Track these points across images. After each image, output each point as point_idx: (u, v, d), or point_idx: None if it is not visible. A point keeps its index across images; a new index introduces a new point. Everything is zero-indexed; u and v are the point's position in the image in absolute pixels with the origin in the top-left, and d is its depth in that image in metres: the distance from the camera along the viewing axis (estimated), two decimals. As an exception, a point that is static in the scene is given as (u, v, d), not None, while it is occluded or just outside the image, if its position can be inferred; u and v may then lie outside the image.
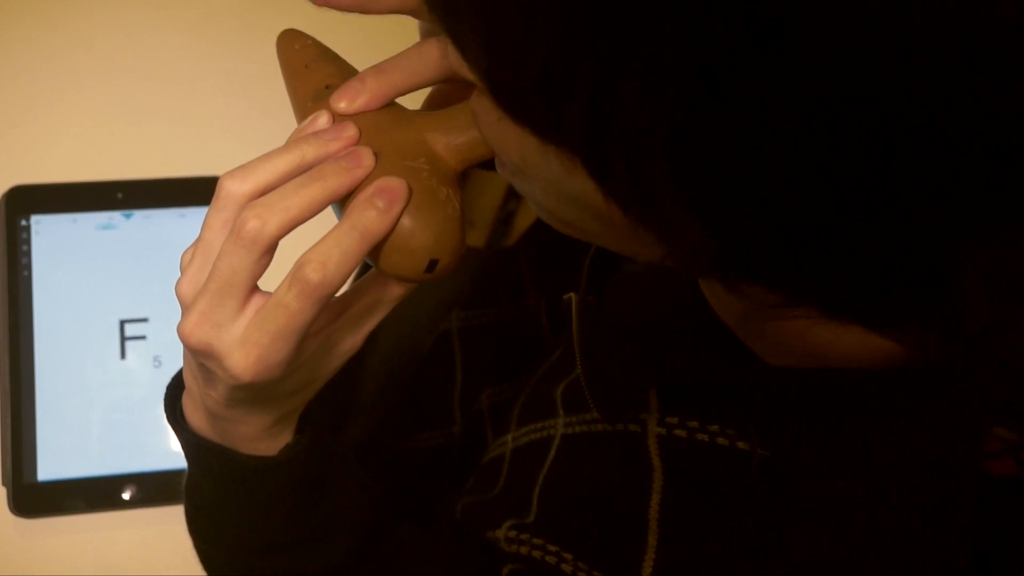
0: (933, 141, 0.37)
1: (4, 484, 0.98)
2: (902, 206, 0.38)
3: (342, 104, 0.55)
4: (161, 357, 1.02)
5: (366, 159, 0.53)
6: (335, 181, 0.52)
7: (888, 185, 0.38)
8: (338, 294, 0.57)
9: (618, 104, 0.38)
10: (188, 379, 0.58)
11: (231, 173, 0.53)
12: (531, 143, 0.45)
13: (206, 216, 0.53)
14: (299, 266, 0.51)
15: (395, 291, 0.56)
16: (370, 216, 0.51)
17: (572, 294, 0.56)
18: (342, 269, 0.51)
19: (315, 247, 0.51)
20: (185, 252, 0.55)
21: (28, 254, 1.00)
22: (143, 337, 1.02)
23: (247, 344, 0.52)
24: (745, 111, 0.37)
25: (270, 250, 0.52)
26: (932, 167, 0.37)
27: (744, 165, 0.38)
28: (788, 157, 0.37)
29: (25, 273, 1.00)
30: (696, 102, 0.37)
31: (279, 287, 0.51)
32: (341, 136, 0.54)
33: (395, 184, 0.52)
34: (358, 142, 0.54)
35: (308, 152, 0.53)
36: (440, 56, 0.56)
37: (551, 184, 0.47)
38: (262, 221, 0.51)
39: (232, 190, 0.52)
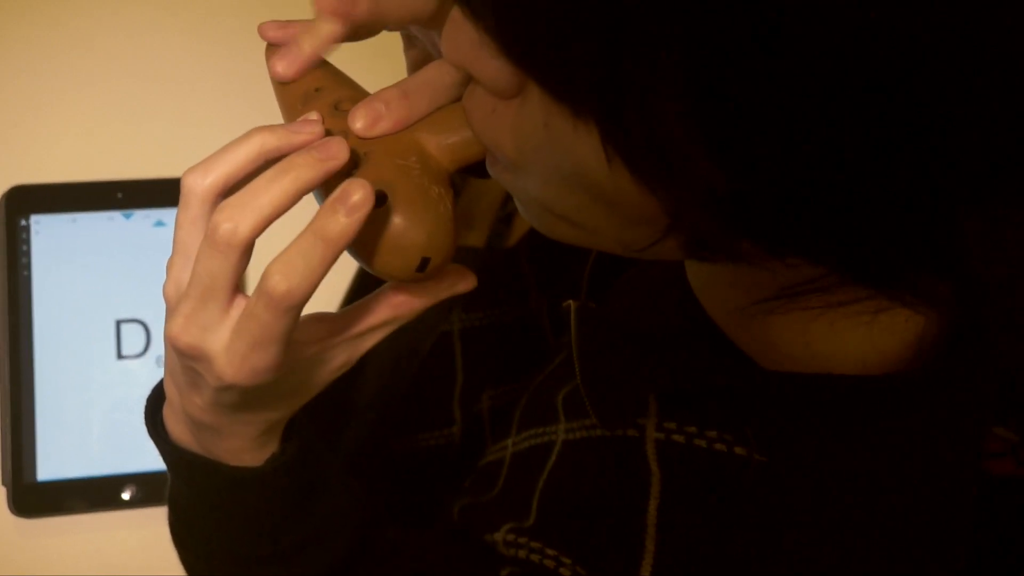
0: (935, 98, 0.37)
1: (4, 484, 0.98)
2: (903, 157, 0.39)
3: (359, 125, 0.54)
4: (164, 357, 1.02)
5: (338, 151, 0.51)
6: (306, 173, 0.50)
7: (891, 139, 0.38)
8: (343, 308, 0.56)
9: (630, 38, 0.38)
10: (170, 388, 0.58)
11: (192, 169, 0.52)
12: (531, 122, 0.45)
13: (176, 216, 0.53)
14: (265, 277, 0.50)
15: (402, 311, 0.56)
16: (335, 222, 0.49)
17: (571, 301, 0.55)
18: (308, 280, 0.49)
19: (279, 257, 0.50)
20: (170, 256, 0.54)
21: (28, 254, 1.00)
22: (143, 337, 1.02)
23: (230, 350, 0.51)
24: (762, 44, 0.37)
25: (247, 251, 0.50)
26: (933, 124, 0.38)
27: (759, 103, 0.38)
28: (803, 97, 0.37)
29: (25, 273, 1.00)
30: (712, 31, 0.37)
31: (251, 297, 0.50)
32: (304, 129, 0.52)
33: (357, 187, 0.49)
34: (348, 141, 0.53)
35: (269, 141, 0.52)
36: (457, 81, 0.55)
37: (549, 169, 0.46)
38: (234, 223, 0.49)
39: (193, 186, 0.52)
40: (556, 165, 0.46)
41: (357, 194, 0.49)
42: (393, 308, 0.56)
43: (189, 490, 0.61)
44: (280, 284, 0.49)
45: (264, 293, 0.49)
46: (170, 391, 0.58)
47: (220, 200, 0.52)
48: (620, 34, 0.38)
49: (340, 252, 0.50)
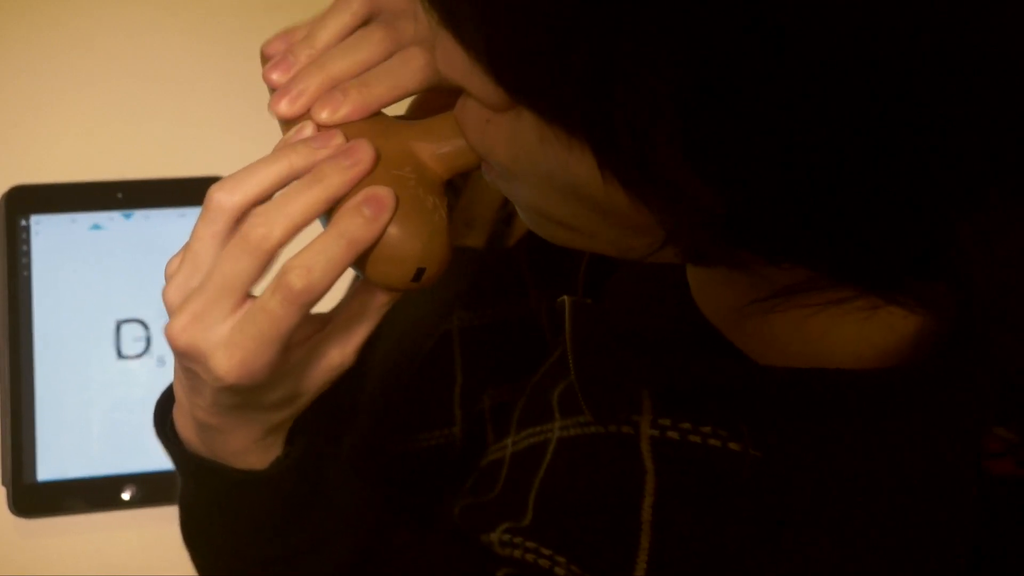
0: (929, 110, 0.37)
1: (4, 484, 0.98)
2: (897, 166, 0.39)
3: (323, 115, 0.55)
4: (165, 357, 1.02)
5: (364, 153, 0.53)
6: (336, 180, 0.52)
7: (885, 148, 0.38)
8: (325, 309, 0.56)
9: (620, 65, 0.38)
10: (177, 389, 0.58)
11: (219, 184, 0.53)
12: (525, 136, 0.45)
13: (195, 227, 0.53)
14: (283, 272, 0.51)
15: (381, 299, 0.56)
16: (357, 224, 0.51)
17: (566, 297, 0.56)
18: (327, 277, 0.51)
19: (300, 253, 0.51)
20: (171, 260, 0.54)
21: (28, 254, 1.00)
22: (143, 337, 1.02)
23: (230, 346, 0.51)
24: (749, 66, 0.37)
25: (273, 256, 0.52)
26: (927, 134, 0.38)
27: (749, 119, 0.38)
28: (794, 118, 0.37)
29: (25, 273, 1.00)
30: (700, 56, 0.37)
31: (263, 292, 0.51)
32: (329, 144, 0.53)
33: (383, 193, 0.52)
34: None
35: (296, 160, 0.53)
36: (424, 65, 0.56)
37: (544, 179, 0.46)
38: (268, 228, 0.51)
39: (222, 202, 0.52)
40: (551, 177, 0.46)
41: (381, 198, 0.51)
42: (372, 293, 0.56)
43: (197, 492, 0.62)
44: (300, 279, 0.50)
45: (282, 287, 0.50)
46: (178, 393, 0.58)
47: (244, 217, 0.53)
48: (610, 62, 0.38)
49: (359, 253, 0.52)
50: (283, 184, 0.53)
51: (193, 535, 0.65)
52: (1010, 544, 0.57)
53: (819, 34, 0.36)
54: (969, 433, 0.55)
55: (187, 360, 0.53)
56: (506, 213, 0.83)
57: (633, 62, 0.38)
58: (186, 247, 0.54)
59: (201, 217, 0.53)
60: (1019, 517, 0.58)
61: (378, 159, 0.53)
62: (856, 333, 0.50)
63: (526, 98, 0.43)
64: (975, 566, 0.54)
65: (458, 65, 0.45)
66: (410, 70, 0.56)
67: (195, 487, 0.61)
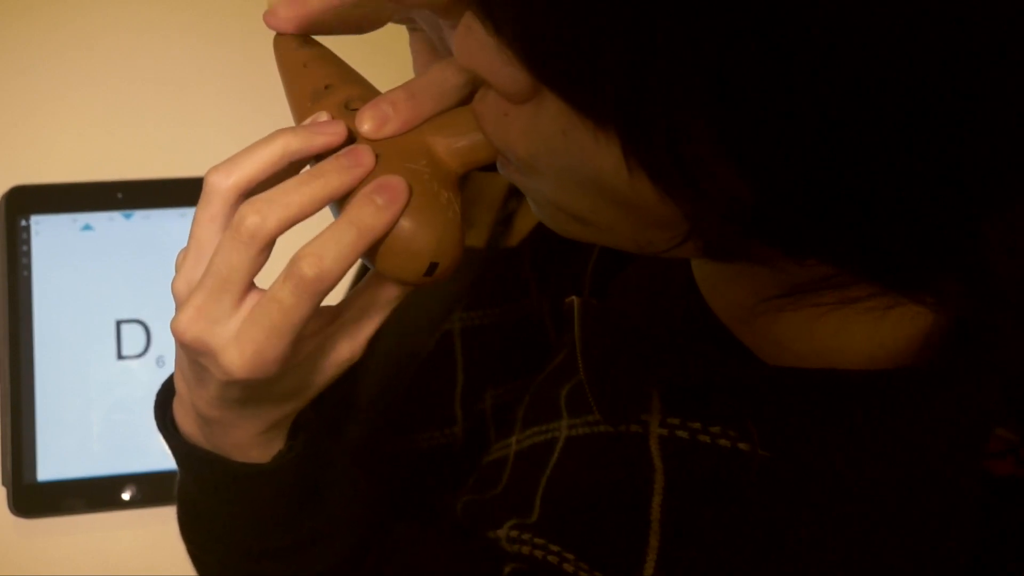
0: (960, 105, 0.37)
1: (4, 484, 0.98)
2: (928, 158, 0.39)
3: (366, 127, 0.54)
4: (164, 357, 1.02)
5: (365, 157, 0.52)
6: (335, 179, 0.51)
7: (916, 140, 0.38)
8: (335, 302, 0.56)
9: (655, 52, 0.38)
10: (179, 382, 0.58)
11: (216, 168, 0.52)
12: (547, 128, 0.45)
13: (195, 213, 0.53)
14: (295, 261, 0.50)
15: (391, 293, 0.56)
16: (368, 212, 0.51)
17: (574, 297, 0.55)
18: (338, 265, 0.50)
19: (312, 242, 0.51)
20: (180, 251, 0.55)
21: (28, 254, 1.00)
22: (143, 337, 1.02)
23: (242, 340, 0.51)
24: (784, 56, 0.37)
25: (268, 247, 0.51)
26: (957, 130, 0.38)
27: (784, 115, 0.38)
28: (829, 107, 0.37)
29: (25, 273, 1.00)
30: (735, 46, 0.37)
31: (274, 282, 0.51)
32: (327, 131, 0.53)
33: (395, 182, 0.51)
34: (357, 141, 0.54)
35: (291, 143, 0.52)
36: (464, 82, 0.55)
37: (565, 172, 0.46)
38: (261, 217, 0.50)
39: (216, 184, 0.52)
40: (573, 170, 0.46)
41: (394, 186, 0.51)
42: (382, 286, 0.56)
43: (197, 485, 0.61)
44: (311, 268, 0.50)
45: (293, 276, 0.50)
46: (179, 385, 0.58)
47: (241, 200, 0.52)
48: (645, 50, 0.38)
49: (371, 243, 0.51)
50: (278, 166, 0.52)
51: (191, 528, 0.65)
52: (1010, 544, 0.57)
53: (855, 27, 0.36)
54: (973, 433, 0.55)
55: (195, 354, 0.53)
56: (506, 213, 0.83)
57: (669, 49, 0.38)
58: (190, 235, 0.54)
59: (199, 201, 0.53)
60: (1019, 517, 0.58)
61: (391, 153, 0.53)
62: (867, 333, 0.50)
63: (557, 85, 0.42)
64: (975, 566, 0.54)
65: (479, 53, 0.45)
66: (453, 84, 0.55)
67: (195, 480, 0.61)
